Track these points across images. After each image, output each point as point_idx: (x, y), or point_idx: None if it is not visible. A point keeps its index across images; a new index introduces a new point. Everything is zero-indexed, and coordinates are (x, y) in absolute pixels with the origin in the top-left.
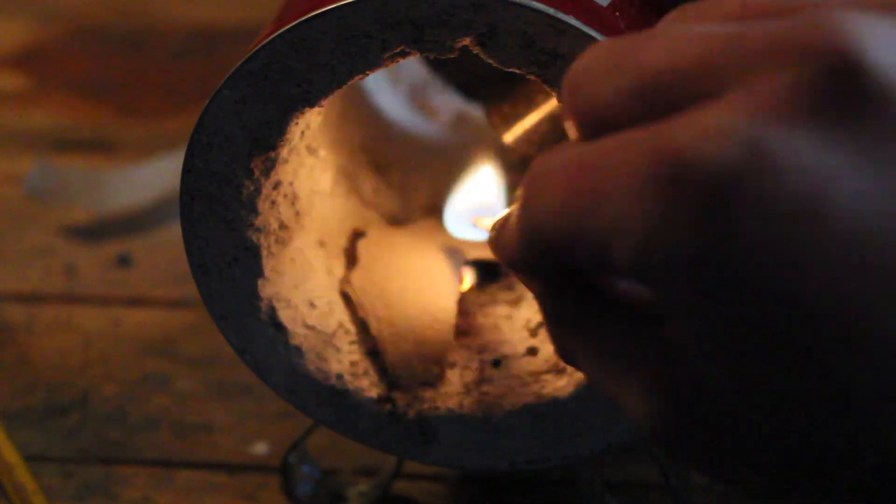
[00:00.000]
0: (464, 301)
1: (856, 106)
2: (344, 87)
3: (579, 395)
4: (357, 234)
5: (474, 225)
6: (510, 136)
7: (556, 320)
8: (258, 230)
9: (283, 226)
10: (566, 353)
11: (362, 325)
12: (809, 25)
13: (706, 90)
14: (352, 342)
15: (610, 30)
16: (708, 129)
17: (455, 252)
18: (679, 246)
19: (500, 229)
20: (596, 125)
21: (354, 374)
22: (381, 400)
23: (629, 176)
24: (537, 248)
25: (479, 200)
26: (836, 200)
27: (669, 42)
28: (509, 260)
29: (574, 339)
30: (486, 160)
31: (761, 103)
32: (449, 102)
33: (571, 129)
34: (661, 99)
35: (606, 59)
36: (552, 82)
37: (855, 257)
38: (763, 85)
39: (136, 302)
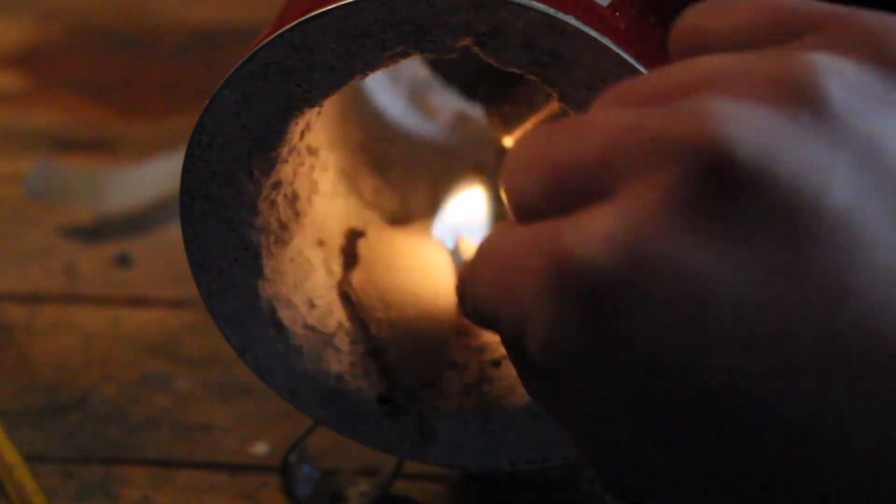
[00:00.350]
0: None
1: (727, 200)
2: (344, 87)
3: None
4: (357, 234)
5: (457, 245)
6: (510, 137)
7: (514, 364)
8: (258, 230)
9: (283, 226)
10: (529, 391)
11: (362, 325)
12: (684, 120)
13: (602, 186)
14: (352, 342)
15: (610, 30)
16: (591, 234)
17: (456, 251)
18: (572, 344)
19: (463, 283)
20: (524, 213)
21: (354, 374)
22: (381, 400)
23: (533, 273)
24: (477, 319)
25: (466, 216)
26: (713, 298)
27: (579, 135)
28: (466, 314)
29: (529, 382)
30: (474, 175)
31: (641, 205)
32: (449, 102)
33: (510, 212)
34: (569, 193)
35: (529, 151)
36: (552, 82)
37: (736, 349)
38: (645, 185)
39: (136, 302)
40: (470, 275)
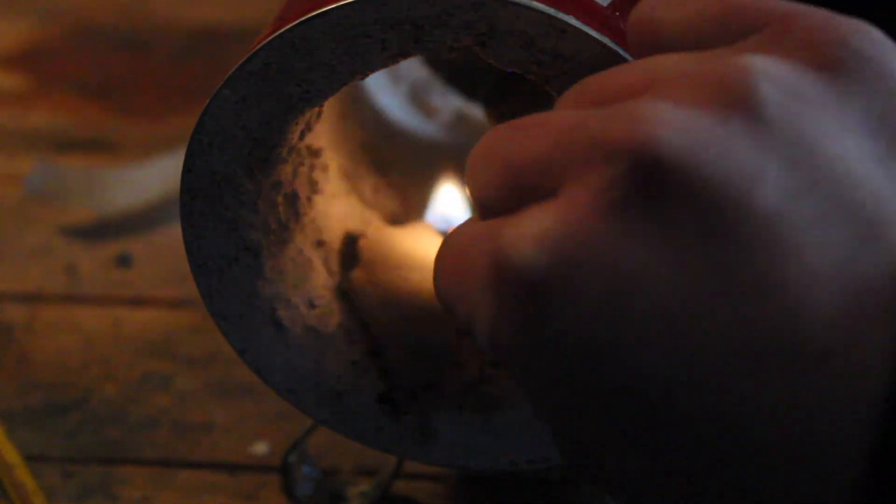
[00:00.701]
0: None
1: (655, 201)
2: (344, 87)
3: None
4: (357, 234)
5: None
6: None
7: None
8: (258, 230)
9: (283, 226)
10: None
11: (362, 325)
12: (619, 123)
13: (547, 186)
14: (352, 342)
15: (610, 30)
16: (525, 234)
17: None
18: (510, 339)
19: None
20: (483, 208)
21: (354, 374)
22: (381, 400)
23: (477, 270)
24: (444, 309)
25: (456, 205)
26: (640, 296)
27: (531, 134)
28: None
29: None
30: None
31: (573, 205)
32: (449, 102)
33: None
34: (519, 191)
35: (487, 149)
36: (552, 82)
37: (662, 344)
38: (579, 185)
39: (136, 302)
40: (436, 265)
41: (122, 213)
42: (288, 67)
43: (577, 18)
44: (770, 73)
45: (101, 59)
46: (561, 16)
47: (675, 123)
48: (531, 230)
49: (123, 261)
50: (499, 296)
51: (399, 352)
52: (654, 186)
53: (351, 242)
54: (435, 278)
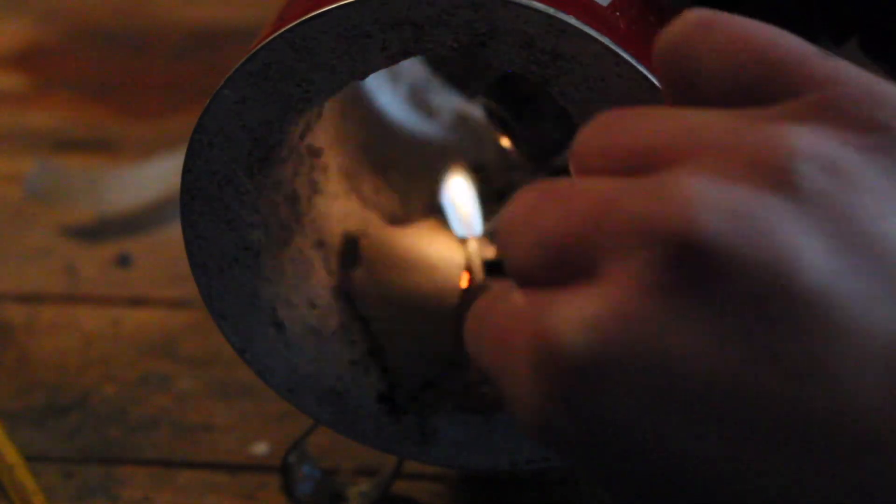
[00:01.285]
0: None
1: (699, 285)
2: (344, 87)
3: None
4: (357, 234)
5: (463, 240)
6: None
7: None
8: (258, 230)
9: (283, 226)
10: None
11: (363, 325)
12: (658, 203)
13: (585, 263)
14: (352, 342)
15: (610, 30)
16: (570, 317)
17: (457, 248)
18: (552, 420)
19: (466, 334)
20: (519, 278)
21: (354, 374)
22: (381, 400)
23: (519, 350)
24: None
25: (469, 209)
26: (685, 380)
27: (563, 207)
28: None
29: None
30: (474, 175)
31: (617, 289)
32: (449, 102)
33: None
34: (555, 265)
35: (518, 218)
36: (552, 82)
37: (706, 428)
38: (622, 268)
39: (136, 302)
40: (470, 330)
41: (122, 213)
42: (288, 67)
43: (577, 18)
44: (811, 151)
45: (100, 59)
46: (561, 16)
47: (715, 204)
48: (577, 315)
49: (123, 261)
50: (543, 378)
51: (399, 352)
52: (698, 270)
53: (351, 242)
54: (468, 341)
